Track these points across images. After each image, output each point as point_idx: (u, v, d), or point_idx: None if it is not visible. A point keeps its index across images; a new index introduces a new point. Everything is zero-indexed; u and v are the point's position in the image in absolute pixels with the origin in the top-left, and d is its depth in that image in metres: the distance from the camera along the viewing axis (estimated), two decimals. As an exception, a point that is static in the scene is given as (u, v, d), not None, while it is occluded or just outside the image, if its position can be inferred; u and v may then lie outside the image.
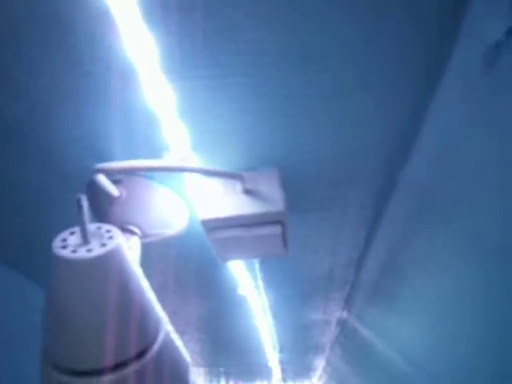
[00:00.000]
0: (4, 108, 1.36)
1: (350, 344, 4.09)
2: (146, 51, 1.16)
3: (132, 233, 1.58)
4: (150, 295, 1.38)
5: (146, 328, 1.33)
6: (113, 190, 1.51)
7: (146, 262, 2.05)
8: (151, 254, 1.93)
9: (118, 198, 1.53)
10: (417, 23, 1.12)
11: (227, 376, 6.09)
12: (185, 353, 1.55)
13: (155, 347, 1.36)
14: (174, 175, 1.61)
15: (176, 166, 1.41)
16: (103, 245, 1.22)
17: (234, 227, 1.56)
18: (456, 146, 1.49)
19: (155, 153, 1.47)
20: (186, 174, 1.59)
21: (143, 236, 1.66)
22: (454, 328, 2.46)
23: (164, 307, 2.39)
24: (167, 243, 1.95)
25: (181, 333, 3.42)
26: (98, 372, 1.27)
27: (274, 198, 1.52)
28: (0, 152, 1.55)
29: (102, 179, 1.39)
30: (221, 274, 2.53)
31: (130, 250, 1.50)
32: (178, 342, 1.53)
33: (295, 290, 2.85)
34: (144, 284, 1.37)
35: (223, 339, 4.10)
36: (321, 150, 1.59)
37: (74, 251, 1.19)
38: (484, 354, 2.35)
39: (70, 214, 1.22)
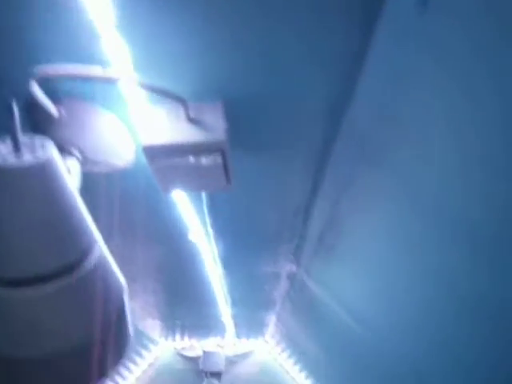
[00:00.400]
0: None
1: (299, 299, 4.24)
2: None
3: (71, 154, 1.57)
4: (84, 212, 1.39)
5: (76, 241, 1.35)
6: (51, 107, 1.49)
7: (89, 198, 2.05)
8: (95, 188, 1.93)
9: (56, 117, 1.51)
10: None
11: (182, 329, 6.22)
12: (120, 276, 1.58)
13: (87, 263, 1.38)
14: (117, 100, 1.59)
15: (116, 76, 1.39)
16: (36, 156, 1.22)
17: (175, 155, 1.58)
18: (394, 92, 1.54)
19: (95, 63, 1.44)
20: (129, 99, 1.58)
21: (84, 161, 1.65)
22: (391, 278, 2.60)
23: (111, 251, 2.40)
24: (112, 177, 1.95)
25: (132, 280, 3.47)
26: (29, 282, 1.29)
27: (217, 129, 1.54)
28: None
29: (38, 90, 1.36)
30: (171, 217, 2.55)
31: (67, 169, 1.50)
32: (114, 264, 1.55)
33: (245, 240, 2.91)
34: (78, 200, 1.37)
35: (177, 290, 4.15)
36: (267, 87, 1.61)
37: (4, 160, 1.18)
38: (417, 302, 2.50)
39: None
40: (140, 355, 6.73)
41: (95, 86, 1.53)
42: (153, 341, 6.71)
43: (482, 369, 2.16)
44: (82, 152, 1.61)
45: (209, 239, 2.86)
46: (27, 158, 1.20)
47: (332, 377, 5.57)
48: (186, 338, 6.76)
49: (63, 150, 1.54)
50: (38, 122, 1.52)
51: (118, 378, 6.42)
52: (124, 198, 2.23)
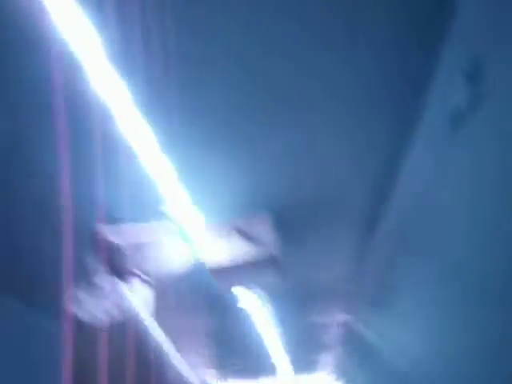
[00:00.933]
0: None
1: (351, 342, 4.27)
2: (142, 131, 1.26)
3: (143, 280, 1.70)
4: (171, 351, 1.50)
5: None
6: (119, 242, 1.63)
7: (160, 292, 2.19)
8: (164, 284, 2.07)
9: (126, 249, 1.65)
10: (392, 98, 1.24)
11: (237, 373, 6.32)
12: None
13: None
14: (177, 223, 1.72)
15: (178, 226, 1.54)
16: (118, 305, 1.35)
17: (234, 268, 1.69)
18: (427, 194, 1.61)
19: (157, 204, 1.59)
20: (188, 222, 1.71)
21: (153, 281, 1.78)
22: (439, 330, 2.63)
23: (180, 324, 2.51)
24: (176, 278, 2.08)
25: (191, 341, 3.59)
26: None
27: (268, 242, 1.65)
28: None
29: (110, 235, 1.51)
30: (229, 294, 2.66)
31: (143, 299, 1.63)
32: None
33: (296, 303, 2.99)
34: (162, 339, 1.48)
35: (231, 345, 4.28)
36: (311, 193, 1.71)
37: (90, 312, 1.32)
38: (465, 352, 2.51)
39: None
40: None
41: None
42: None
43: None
44: (149, 274, 1.74)
45: (263, 304, 2.97)
46: (112, 310, 1.33)
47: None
48: (240, 380, 6.84)
49: (132, 274, 1.68)
50: (110, 255, 1.66)
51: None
52: (185, 284, 2.36)
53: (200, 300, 2.52)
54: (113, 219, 1.65)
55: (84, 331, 1.33)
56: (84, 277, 1.37)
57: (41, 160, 1.49)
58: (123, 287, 1.37)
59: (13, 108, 1.26)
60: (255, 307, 3.04)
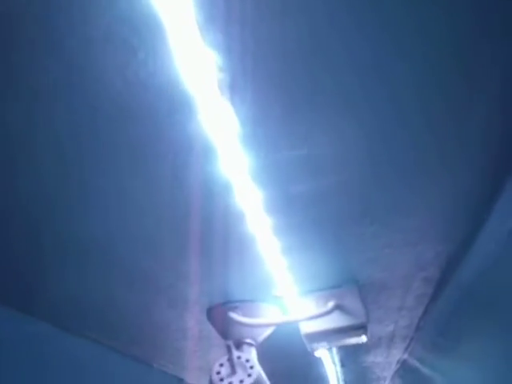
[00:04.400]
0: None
1: (407, 376, 4.47)
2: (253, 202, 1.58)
3: (250, 345, 2.06)
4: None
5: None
6: (234, 316, 2.01)
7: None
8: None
9: (239, 321, 2.02)
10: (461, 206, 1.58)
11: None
12: None
13: None
14: (277, 296, 2.09)
15: (290, 319, 1.92)
16: (249, 375, 1.71)
17: (327, 336, 2.03)
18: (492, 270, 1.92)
19: (265, 284, 1.96)
20: (285, 294, 2.07)
21: (256, 344, 2.14)
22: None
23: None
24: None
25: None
26: None
27: (358, 311, 1.98)
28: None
29: (235, 316, 1.89)
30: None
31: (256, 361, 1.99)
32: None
33: (363, 346, 3.28)
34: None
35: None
36: (390, 266, 2.04)
37: (230, 383, 1.68)
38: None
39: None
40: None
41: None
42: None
43: None
44: (254, 339, 2.10)
45: (331, 350, 3.26)
46: (245, 379, 1.69)
47: None
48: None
49: (243, 342, 2.05)
50: (227, 325, 2.04)
51: None
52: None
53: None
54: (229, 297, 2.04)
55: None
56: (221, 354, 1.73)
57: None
58: (248, 355, 1.73)
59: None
60: (328, 355, 3.35)
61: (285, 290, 1.99)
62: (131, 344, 2.77)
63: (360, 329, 2.01)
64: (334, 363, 3.60)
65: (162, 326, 2.46)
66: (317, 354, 3.16)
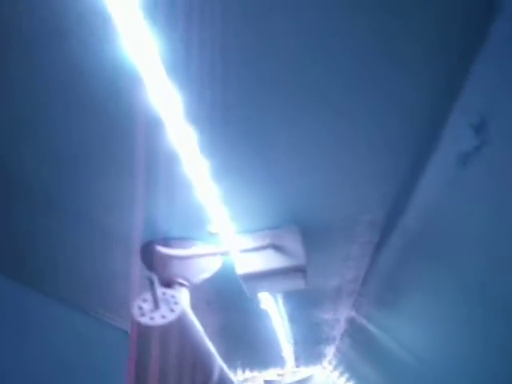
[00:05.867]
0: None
1: (356, 336, 4.52)
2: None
3: (182, 285, 1.94)
4: (206, 340, 1.76)
5: (205, 365, 1.72)
6: (165, 252, 1.87)
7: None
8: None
9: (169, 258, 1.89)
10: (410, 134, 1.48)
11: (245, 365, 6.57)
12: (232, 375, 1.94)
13: (214, 379, 1.76)
14: (214, 235, 1.96)
15: (222, 250, 1.79)
16: (172, 310, 1.59)
17: (264, 277, 1.92)
18: (439, 212, 1.85)
19: (201, 224, 1.83)
20: (223, 233, 1.95)
21: (190, 285, 2.02)
22: (443, 328, 2.87)
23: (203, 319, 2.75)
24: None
25: (211, 335, 3.84)
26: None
27: (297, 253, 1.88)
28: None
29: (162, 249, 1.75)
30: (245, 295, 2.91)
31: (186, 301, 1.88)
32: (229, 372, 1.92)
33: (308, 300, 3.24)
34: (200, 332, 1.74)
35: (242, 339, 4.51)
36: (336, 207, 1.95)
37: (151, 318, 1.56)
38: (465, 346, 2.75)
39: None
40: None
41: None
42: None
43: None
44: (187, 279, 1.98)
45: (278, 304, 3.21)
46: (167, 314, 1.57)
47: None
48: (248, 371, 7.10)
49: (175, 282, 1.92)
50: (158, 262, 1.90)
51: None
52: (209, 286, 2.61)
53: (225, 302, 2.77)
54: (162, 235, 1.90)
55: (144, 333, 1.57)
56: (143, 287, 1.60)
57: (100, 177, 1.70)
58: (174, 292, 1.61)
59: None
60: (273, 307, 3.30)
61: (221, 227, 1.86)
62: (76, 294, 2.62)
63: (298, 271, 1.92)
64: (281, 317, 3.56)
65: (103, 273, 2.33)
66: (263, 306, 3.10)
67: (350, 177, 1.80)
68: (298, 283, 2.06)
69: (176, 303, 1.61)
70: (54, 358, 2.70)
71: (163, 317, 1.55)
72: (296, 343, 4.81)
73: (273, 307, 3.21)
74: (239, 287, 2.66)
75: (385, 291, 2.99)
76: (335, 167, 1.74)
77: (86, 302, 2.79)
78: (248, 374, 7.14)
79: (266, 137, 1.57)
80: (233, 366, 6.33)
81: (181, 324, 1.60)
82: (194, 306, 2.15)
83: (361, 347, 4.84)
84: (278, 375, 7.19)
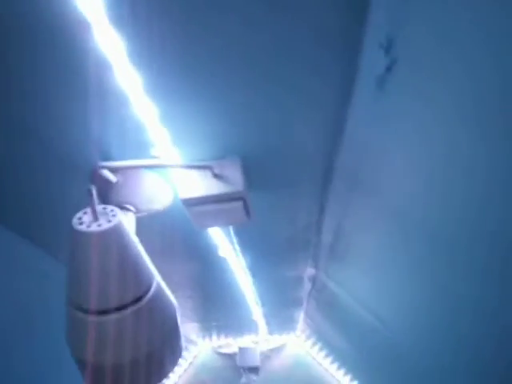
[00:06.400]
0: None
1: (321, 297, 4.67)
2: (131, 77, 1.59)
3: (128, 210, 2.05)
4: (145, 257, 1.87)
5: (141, 279, 1.84)
6: (111, 177, 1.97)
7: (141, 233, 2.56)
8: (145, 225, 2.43)
9: (115, 183, 2.00)
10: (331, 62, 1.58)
11: (218, 330, 6.72)
12: (173, 299, 2.06)
13: (150, 294, 1.87)
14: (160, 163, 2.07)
15: (161, 163, 1.89)
16: (109, 221, 1.70)
17: (206, 203, 2.05)
18: (376, 135, 1.97)
19: (144, 148, 1.93)
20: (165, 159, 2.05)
21: (137, 211, 2.13)
22: (395, 279, 3.01)
23: (157, 269, 2.90)
24: (157, 216, 2.43)
25: (173, 291, 4.00)
26: (105, 312, 1.79)
27: (237, 181, 2.00)
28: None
29: (104, 172, 1.85)
30: (202, 240, 3.03)
31: (128, 223, 1.99)
32: (167, 291, 2.03)
33: (267, 252, 3.37)
34: (140, 248, 1.85)
35: (211, 296, 4.64)
36: (274, 141, 2.06)
37: (88, 226, 1.67)
38: (419, 298, 2.90)
39: (77, 197, 1.68)
40: (181, 356, 7.30)
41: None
42: (191, 342, 7.25)
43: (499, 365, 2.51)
44: (134, 205, 2.09)
45: (237, 254, 3.33)
46: (104, 224, 1.68)
47: (361, 367, 5.99)
48: (223, 337, 7.26)
49: (122, 208, 2.03)
50: (102, 188, 2.01)
51: (163, 378, 6.99)
52: (166, 228, 2.73)
53: (178, 242, 2.89)
54: (105, 157, 2.00)
55: (80, 241, 1.68)
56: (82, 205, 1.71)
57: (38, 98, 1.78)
58: (113, 208, 1.72)
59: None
60: (233, 257, 3.42)
61: (164, 152, 1.96)
62: (28, 227, 2.71)
63: (239, 200, 2.04)
64: (244, 272, 3.69)
65: (51, 203, 2.41)
66: (221, 253, 3.23)
67: (286, 115, 1.90)
68: (240, 216, 2.18)
69: (114, 215, 1.71)
70: (10, 297, 2.80)
71: (99, 225, 1.66)
72: (264, 305, 4.95)
73: (232, 257, 3.34)
74: (195, 235, 2.79)
75: (337, 242, 3.13)
76: (270, 103, 1.84)
77: (39, 235, 2.85)
78: (223, 340, 7.33)
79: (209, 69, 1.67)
80: (208, 329, 6.51)
81: (117, 235, 1.71)
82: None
83: (326, 309, 5.00)
84: (253, 342, 7.36)
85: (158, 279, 1.94)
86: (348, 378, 6.92)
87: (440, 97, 1.52)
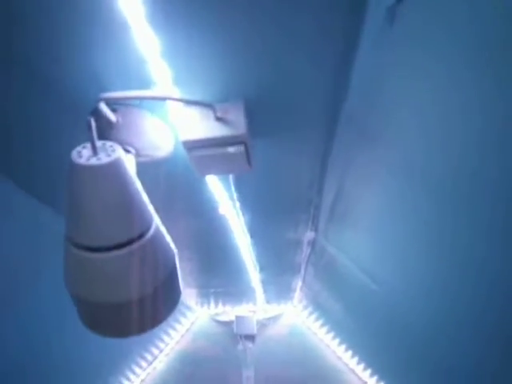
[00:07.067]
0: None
1: (320, 263, 4.68)
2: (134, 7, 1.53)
3: (128, 151, 2.02)
4: (144, 196, 1.85)
5: (142, 217, 1.82)
6: (111, 116, 1.93)
7: (140, 180, 2.52)
8: (144, 173, 2.40)
9: (115, 123, 1.95)
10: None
11: (216, 297, 6.78)
12: (171, 243, 2.05)
13: (151, 231, 1.86)
14: (160, 105, 2.02)
15: (162, 95, 1.84)
16: (108, 155, 1.67)
17: (207, 147, 2.01)
18: (381, 84, 1.92)
19: (145, 86, 1.88)
20: (170, 104, 2.01)
21: (137, 155, 2.10)
22: (396, 240, 3.00)
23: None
24: (157, 166, 2.40)
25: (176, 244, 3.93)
26: (108, 248, 1.76)
27: (239, 124, 1.96)
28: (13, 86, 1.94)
29: (104, 107, 1.81)
30: (203, 195, 3.00)
31: (128, 161, 1.96)
32: (167, 235, 2.01)
33: (268, 212, 3.35)
34: (139, 187, 1.82)
35: (210, 259, 4.65)
36: (278, 86, 2.01)
37: (87, 160, 1.64)
38: (422, 261, 2.89)
39: (76, 139, 1.64)
40: (178, 322, 7.40)
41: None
42: (190, 308, 7.33)
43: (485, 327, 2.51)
44: (135, 148, 2.05)
45: (237, 212, 3.31)
46: (103, 158, 1.65)
47: (357, 336, 6.05)
48: (220, 305, 7.34)
49: (122, 148, 1.99)
50: (101, 127, 1.96)
51: (159, 343, 7.12)
52: (166, 180, 2.70)
53: (179, 195, 2.86)
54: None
55: (79, 174, 1.65)
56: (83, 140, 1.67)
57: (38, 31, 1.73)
58: (113, 144, 1.68)
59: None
60: (233, 215, 3.40)
61: (166, 91, 1.91)
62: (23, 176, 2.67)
63: (240, 144, 2.00)
64: (243, 232, 3.68)
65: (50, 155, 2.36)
66: (221, 210, 3.21)
67: (291, 56, 1.85)
68: (241, 163, 2.14)
69: (114, 151, 1.68)
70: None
71: (99, 159, 1.63)
72: (262, 270, 4.96)
73: (232, 215, 3.33)
74: (196, 189, 2.76)
75: (337, 202, 3.10)
76: (274, 44, 1.79)
77: (35, 183, 2.81)
78: (220, 308, 7.41)
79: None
80: (206, 295, 6.56)
81: (116, 170, 1.68)
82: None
83: (325, 276, 5.02)
84: (250, 311, 7.44)
85: (156, 219, 1.91)
86: (343, 347, 7.03)
87: (447, 38, 1.47)
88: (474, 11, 1.36)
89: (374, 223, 3.02)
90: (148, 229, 1.85)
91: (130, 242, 1.78)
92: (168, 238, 2.04)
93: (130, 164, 2.02)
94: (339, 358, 7.14)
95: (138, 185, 1.81)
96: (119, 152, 1.69)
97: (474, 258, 2.30)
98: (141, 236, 1.82)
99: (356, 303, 4.76)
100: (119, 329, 2.01)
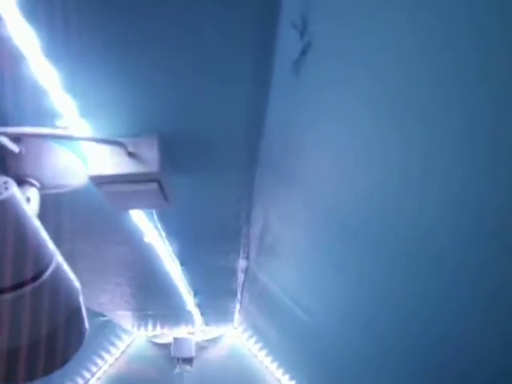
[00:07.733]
0: None
1: (254, 290, 4.66)
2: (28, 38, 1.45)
3: (31, 184, 1.90)
4: (43, 234, 1.74)
5: (38, 257, 1.70)
6: (13, 147, 1.81)
7: (59, 212, 2.40)
8: (64, 203, 2.28)
9: (18, 154, 1.84)
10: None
11: (154, 320, 6.57)
12: (75, 280, 1.93)
13: (48, 273, 1.74)
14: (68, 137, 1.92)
15: (66, 134, 1.75)
16: (0, 193, 1.56)
17: (118, 183, 1.93)
18: (292, 130, 1.93)
19: (49, 118, 1.78)
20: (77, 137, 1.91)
21: (43, 188, 1.98)
22: (320, 274, 3.02)
23: (78, 251, 2.74)
24: (77, 196, 2.28)
25: (99, 276, 3.81)
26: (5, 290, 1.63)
27: (152, 160, 1.89)
28: None
29: (2, 139, 1.69)
30: (126, 225, 2.90)
31: (28, 199, 1.84)
32: (69, 272, 1.90)
33: (195, 239, 3.29)
34: (37, 224, 1.71)
35: (142, 284, 4.50)
36: (194, 122, 1.97)
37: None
38: (348, 295, 2.91)
39: None
40: (113, 344, 7.10)
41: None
42: (125, 331, 7.07)
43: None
44: (41, 181, 1.94)
45: (163, 241, 3.22)
46: (-6, 195, 1.54)
47: (293, 360, 6.06)
48: (158, 327, 7.12)
49: (24, 181, 1.88)
50: (4, 159, 1.84)
51: (91, 366, 6.79)
52: (86, 211, 2.58)
53: (101, 224, 2.74)
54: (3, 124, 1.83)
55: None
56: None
57: None
58: (7, 179, 1.57)
59: None
60: (159, 244, 3.30)
61: (71, 124, 1.82)
62: None
63: (154, 181, 1.93)
64: (171, 259, 3.59)
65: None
66: (146, 239, 3.11)
67: (206, 96, 1.82)
68: (157, 199, 2.08)
69: (7, 188, 1.57)
70: None
71: (-8, 196, 1.51)
72: (196, 295, 4.87)
73: (158, 243, 3.23)
74: (119, 218, 2.65)
75: (265, 233, 3.09)
76: (188, 83, 1.75)
77: None
78: (158, 330, 7.19)
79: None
80: (142, 318, 6.34)
81: (8, 209, 1.57)
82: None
83: (259, 302, 5.00)
84: (189, 333, 7.28)
85: (58, 258, 1.80)
86: (281, 371, 7.01)
87: (360, 81, 1.50)
88: (375, 67, 1.39)
89: (298, 256, 3.03)
90: (45, 269, 1.74)
91: (21, 285, 1.66)
92: (71, 276, 1.93)
93: (32, 199, 1.91)
94: (278, 380, 7.12)
95: (35, 222, 1.70)
96: (13, 190, 1.59)
97: (393, 295, 2.36)
98: (36, 277, 1.70)
99: (290, 329, 4.77)
100: (12, 375, 1.86)
